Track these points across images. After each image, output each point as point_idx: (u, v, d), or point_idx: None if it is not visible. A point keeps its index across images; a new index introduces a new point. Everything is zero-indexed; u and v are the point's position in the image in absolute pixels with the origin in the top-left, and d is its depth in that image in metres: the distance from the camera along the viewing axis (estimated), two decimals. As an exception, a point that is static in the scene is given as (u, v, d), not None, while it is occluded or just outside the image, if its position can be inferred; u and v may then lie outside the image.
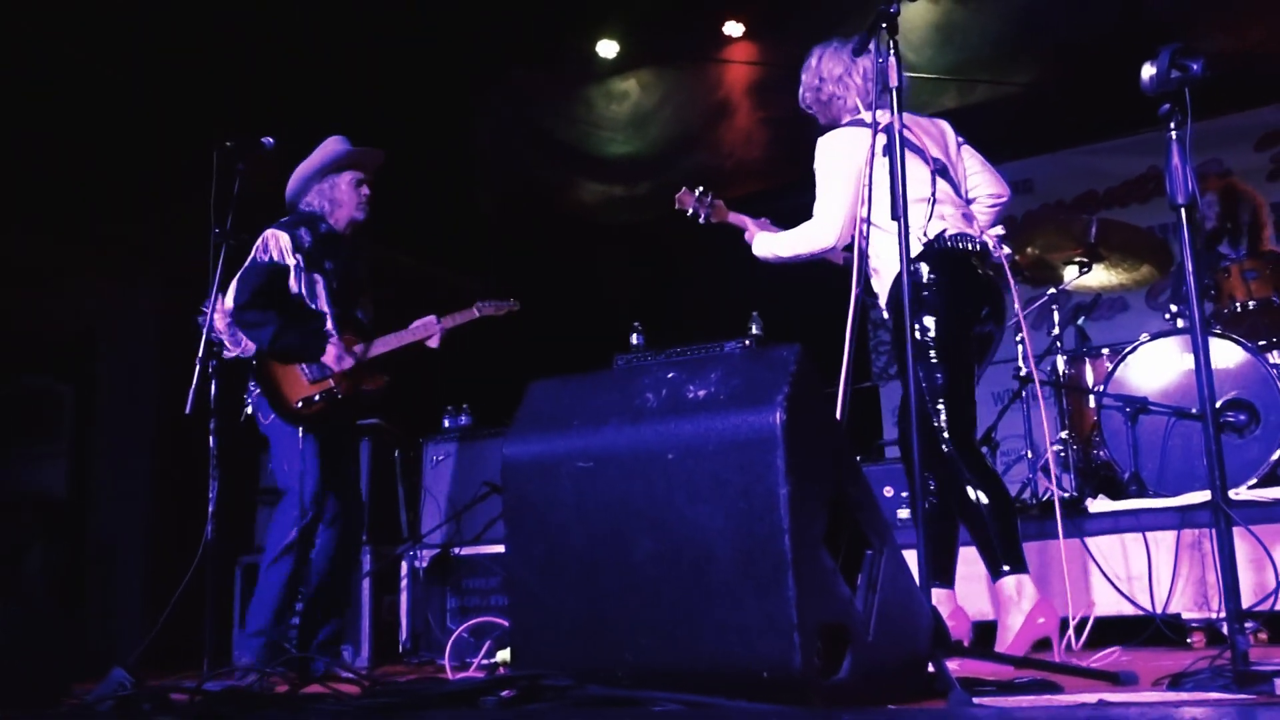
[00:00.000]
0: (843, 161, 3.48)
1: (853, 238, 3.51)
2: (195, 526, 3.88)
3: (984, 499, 3.30)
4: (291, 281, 4.23)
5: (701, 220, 3.90)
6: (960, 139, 3.75)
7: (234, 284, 4.17)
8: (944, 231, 3.44)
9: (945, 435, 3.33)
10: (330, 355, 4.21)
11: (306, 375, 4.23)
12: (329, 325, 4.27)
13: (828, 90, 3.70)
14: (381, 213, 4.44)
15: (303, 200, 4.37)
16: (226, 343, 4.23)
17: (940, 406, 3.35)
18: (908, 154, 3.40)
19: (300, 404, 4.20)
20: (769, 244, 3.73)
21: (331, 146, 4.41)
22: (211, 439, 3.91)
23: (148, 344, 6.38)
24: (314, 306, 4.27)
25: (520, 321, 4.70)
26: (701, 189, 3.90)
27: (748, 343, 5.08)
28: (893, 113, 2.77)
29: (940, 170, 3.58)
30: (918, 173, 3.39)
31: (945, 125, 3.76)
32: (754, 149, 7.66)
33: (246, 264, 4.19)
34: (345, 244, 4.39)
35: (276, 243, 4.22)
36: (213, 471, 3.87)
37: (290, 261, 4.23)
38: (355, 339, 4.31)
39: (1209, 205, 5.29)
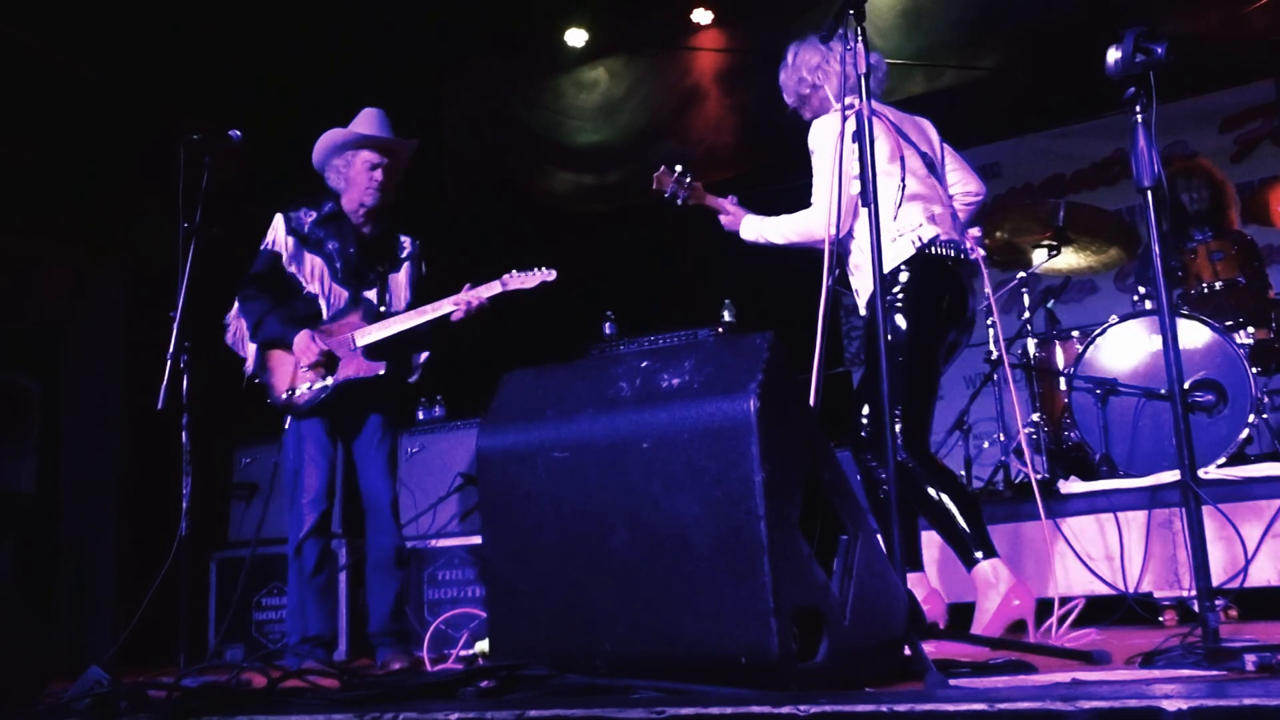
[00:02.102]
0: (838, 148, 3.43)
1: (850, 228, 3.52)
2: (169, 522, 3.85)
3: (946, 498, 3.34)
4: (285, 263, 4.19)
5: (679, 202, 3.87)
6: (940, 138, 3.77)
7: (244, 281, 4.22)
8: (936, 237, 3.45)
9: (899, 443, 3.35)
10: (298, 344, 4.08)
11: (297, 363, 4.13)
12: (323, 309, 4.18)
13: (809, 82, 3.70)
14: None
15: (325, 172, 4.29)
16: (238, 351, 4.28)
17: (898, 413, 3.37)
18: (892, 150, 3.42)
19: (284, 395, 4.14)
20: (760, 228, 3.70)
21: (360, 123, 4.28)
22: (184, 434, 3.88)
23: (116, 337, 6.33)
24: (308, 290, 4.20)
25: (493, 312, 4.64)
26: (680, 169, 3.85)
27: (720, 330, 5.10)
28: (862, 98, 2.78)
29: (929, 166, 3.60)
30: (899, 172, 3.40)
31: (927, 123, 3.77)
32: (724, 135, 7.66)
33: (261, 250, 4.22)
34: (355, 224, 4.26)
35: (274, 226, 4.22)
36: (185, 467, 3.84)
37: (281, 245, 4.19)
38: (359, 323, 4.15)
39: (1197, 188, 5.31)
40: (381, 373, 4.11)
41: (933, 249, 3.44)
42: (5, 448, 6.79)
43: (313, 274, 4.21)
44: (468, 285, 4.16)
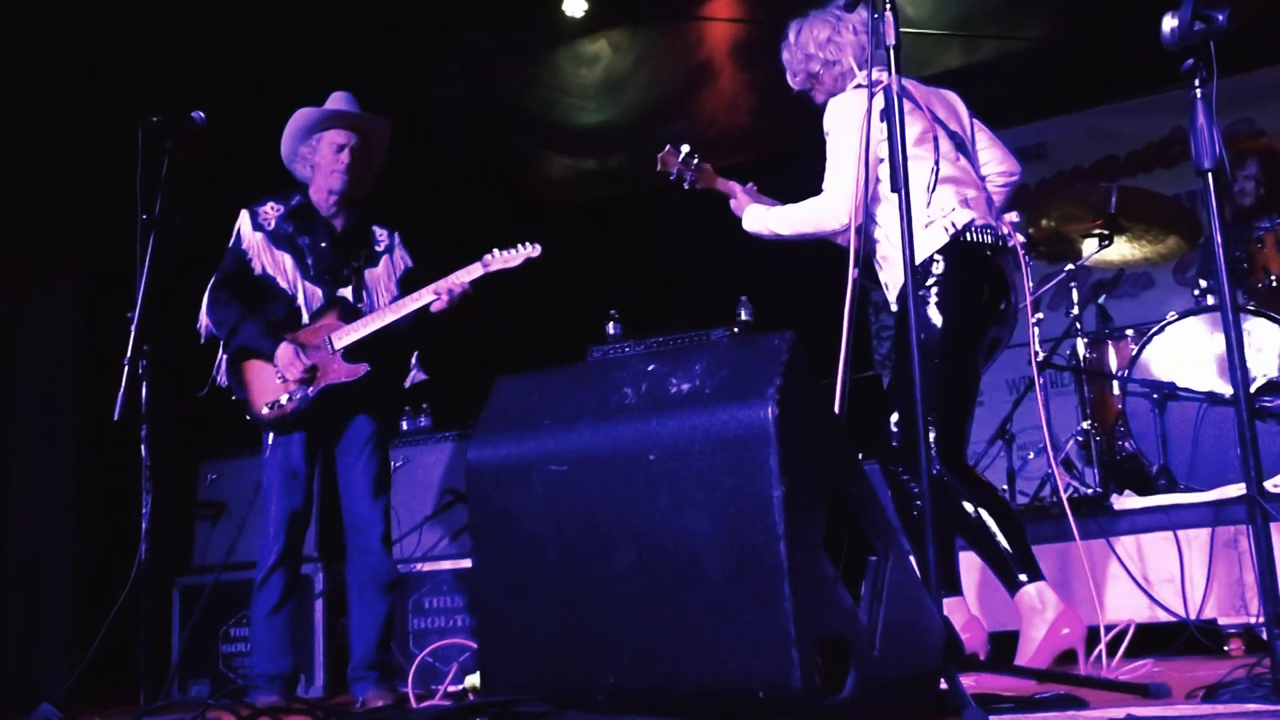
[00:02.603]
0: (862, 128, 3.39)
1: (874, 215, 3.52)
2: (127, 544, 3.86)
3: (985, 514, 3.33)
4: (254, 263, 4.20)
5: (686, 185, 3.87)
6: (969, 112, 3.76)
7: (212, 280, 4.24)
8: (972, 222, 3.44)
9: (933, 454, 3.34)
10: (280, 358, 4.07)
11: (277, 373, 4.12)
12: (302, 308, 4.19)
13: (818, 59, 3.69)
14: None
15: (293, 166, 4.32)
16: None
17: (931, 420, 3.35)
18: (922, 132, 3.41)
19: (266, 410, 4.14)
20: (765, 218, 3.70)
21: (327, 105, 4.29)
22: (143, 447, 3.89)
23: (68, 342, 6.34)
24: (283, 287, 4.20)
25: (485, 311, 4.64)
26: (688, 149, 3.84)
27: (736, 330, 5.10)
28: (890, 73, 2.77)
29: (959, 146, 3.59)
30: (930, 152, 3.38)
31: (955, 97, 3.76)
32: (739, 115, 7.66)
33: (229, 248, 4.24)
34: (325, 217, 4.27)
35: (239, 223, 4.25)
36: (145, 484, 3.84)
37: (247, 244, 4.21)
38: (337, 324, 4.15)
39: (1247, 177, 5.31)
40: (364, 374, 4.10)
41: (968, 235, 3.43)
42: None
43: (282, 272, 4.21)
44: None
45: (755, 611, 1.99)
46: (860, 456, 2.33)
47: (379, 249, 4.35)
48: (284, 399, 4.11)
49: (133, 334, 3.87)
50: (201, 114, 4.04)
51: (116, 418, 3.81)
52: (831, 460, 2.17)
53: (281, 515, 4.13)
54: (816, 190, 3.60)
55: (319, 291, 4.22)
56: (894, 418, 3.59)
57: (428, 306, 4.13)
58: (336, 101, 4.33)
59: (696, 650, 2.05)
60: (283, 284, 4.21)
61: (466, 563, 5.05)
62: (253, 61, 6.59)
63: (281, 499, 4.13)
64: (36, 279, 6.56)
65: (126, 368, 3.86)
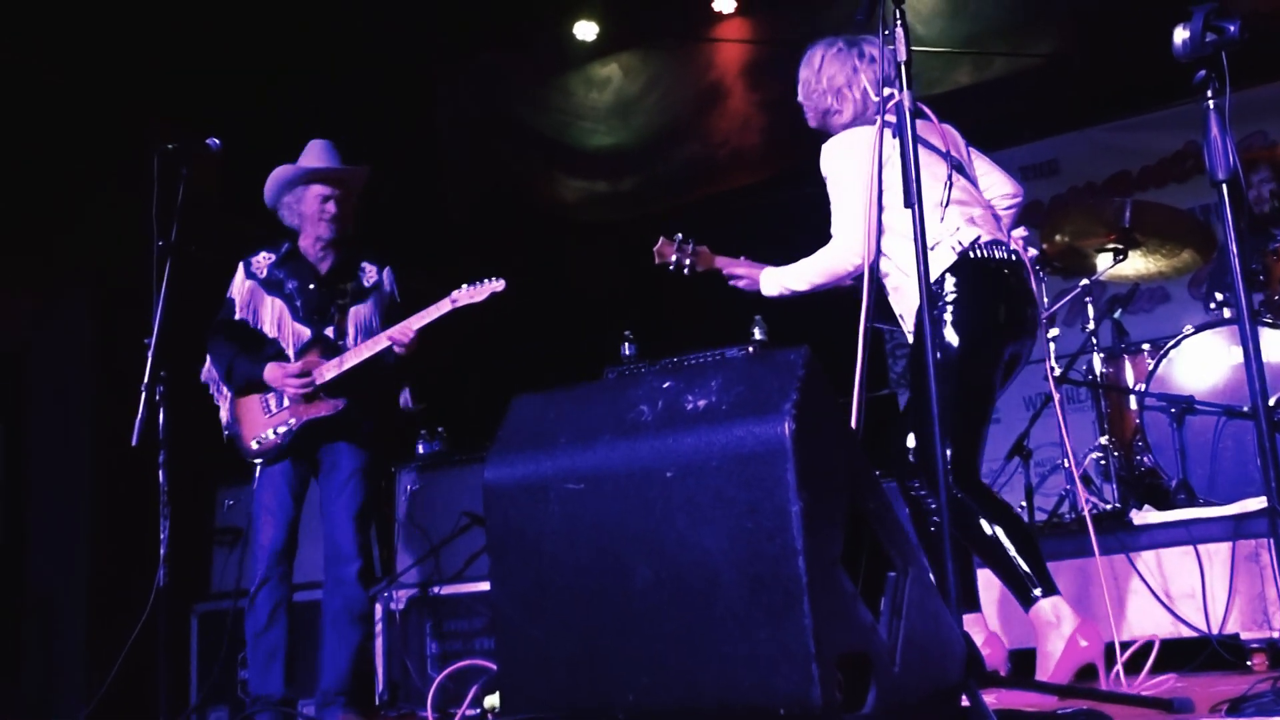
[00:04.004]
0: (863, 166, 3.41)
1: (878, 248, 3.52)
2: (145, 571, 3.87)
3: (1000, 531, 3.33)
4: (240, 311, 4.36)
5: (685, 272, 3.92)
6: (964, 141, 3.78)
7: (211, 327, 4.41)
8: (979, 239, 3.44)
9: (948, 472, 3.34)
10: (272, 376, 4.24)
11: (265, 410, 4.31)
12: (288, 349, 4.32)
13: (826, 101, 3.71)
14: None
15: (280, 212, 4.48)
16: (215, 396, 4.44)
17: (946, 440, 3.35)
18: (927, 156, 3.42)
19: (254, 444, 4.30)
20: (780, 279, 3.71)
21: (306, 157, 4.46)
22: (161, 473, 3.91)
23: (85, 368, 6.37)
24: (266, 334, 4.35)
25: (498, 335, 4.67)
26: (680, 236, 3.90)
27: (751, 349, 5.10)
28: (901, 89, 2.78)
29: (958, 168, 3.60)
30: (936, 177, 3.39)
31: (951, 129, 3.78)
32: (751, 135, 7.69)
33: (227, 299, 4.42)
34: (314, 261, 4.43)
35: (236, 273, 4.42)
36: (163, 510, 3.87)
37: (236, 292, 4.38)
38: (318, 360, 4.30)
39: (1262, 183, 5.30)
40: (342, 409, 4.26)
41: (976, 252, 3.44)
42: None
43: (273, 316, 4.36)
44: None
45: (774, 627, 1.98)
46: (877, 474, 2.32)
47: (367, 285, 4.49)
48: (269, 433, 4.27)
49: (150, 359, 3.90)
50: (216, 140, 4.10)
51: (134, 443, 3.84)
52: (849, 475, 2.16)
53: (268, 544, 4.23)
54: (828, 210, 3.61)
55: (307, 331, 4.35)
56: (910, 436, 3.58)
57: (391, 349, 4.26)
58: (316, 152, 4.47)
59: (715, 667, 2.04)
60: (266, 328, 4.35)
61: (484, 585, 5.04)
62: (264, 85, 6.63)
63: (268, 529, 4.24)
64: (53, 305, 6.59)
65: (144, 393, 3.89)
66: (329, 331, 4.38)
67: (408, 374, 4.45)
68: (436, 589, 5.25)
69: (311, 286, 4.39)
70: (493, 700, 3.41)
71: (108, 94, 6.22)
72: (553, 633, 2.22)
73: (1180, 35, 2.55)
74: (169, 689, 3.82)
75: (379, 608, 5.45)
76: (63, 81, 6.13)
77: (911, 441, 3.58)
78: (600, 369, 5.31)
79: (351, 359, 4.26)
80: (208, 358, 4.42)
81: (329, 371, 4.26)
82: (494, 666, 3.24)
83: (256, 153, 4.55)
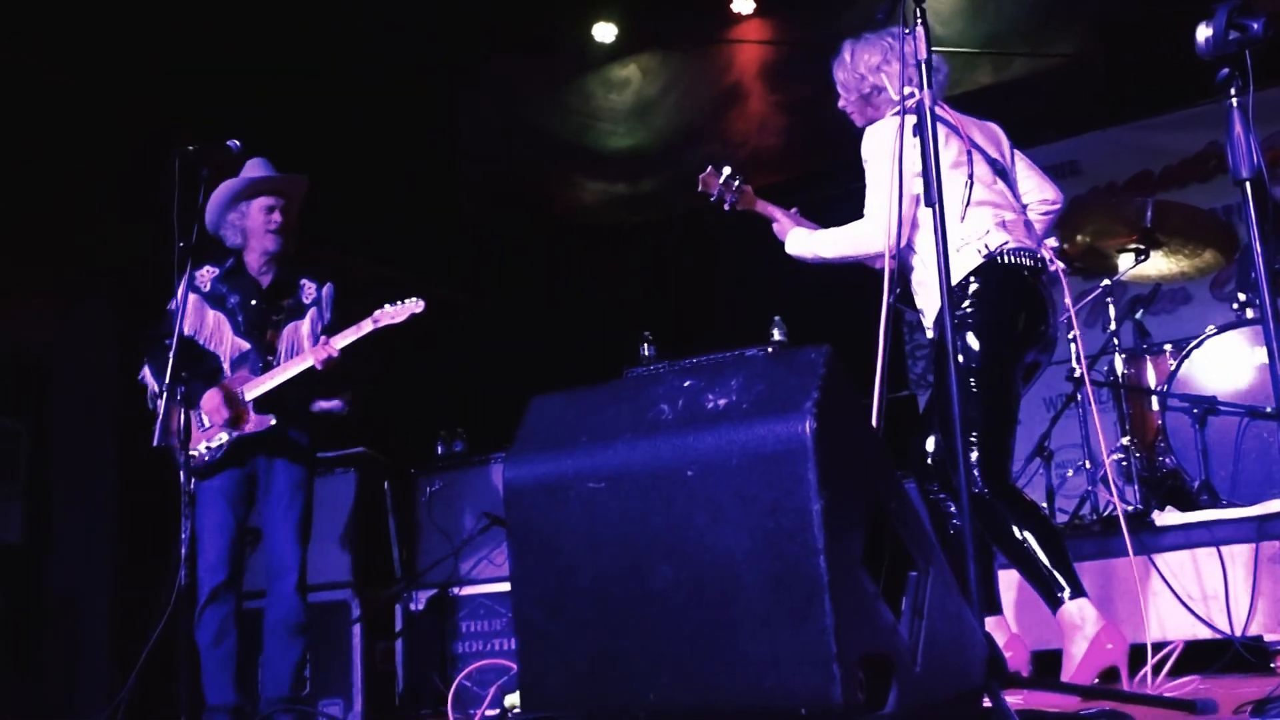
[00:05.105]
0: (896, 151, 3.39)
1: (911, 240, 3.52)
2: (167, 571, 3.89)
3: (1030, 536, 3.31)
4: (182, 323, 4.28)
5: (726, 207, 3.88)
6: (1010, 143, 3.77)
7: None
8: (1005, 244, 3.44)
9: (976, 475, 3.33)
10: (206, 404, 4.26)
11: (198, 425, 4.30)
12: (224, 365, 4.36)
13: (869, 83, 3.71)
14: (357, 220, 4.44)
15: (222, 231, 4.49)
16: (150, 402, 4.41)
17: (974, 440, 3.34)
18: (957, 155, 3.41)
19: (191, 457, 4.25)
20: (809, 242, 3.70)
21: (245, 172, 4.48)
22: (182, 473, 3.93)
23: (107, 369, 6.40)
24: (206, 347, 4.37)
25: (517, 336, 4.69)
26: (729, 170, 3.85)
27: (770, 350, 5.10)
28: (921, 88, 2.78)
29: (1000, 172, 3.59)
30: (964, 175, 3.38)
31: (996, 127, 3.77)
32: (770, 136, 7.68)
33: (167, 309, 4.33)
34: (256, 276, 4.46)
35: (178, 286, 4.34)
36: (185, 509, 3.88)
37: (177, 305, 4.31)
38: (248, 376, 4.36)
39: None
40: (270, 425, 4.29)
41: (1002, 258, 3.42)
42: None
43: (214, 330, 4.38)
44: (325, 336, 4.36)
45: (795, 627, 1.97)
46: (899, 473, 2.31)
47: (306, 302, 4.52)
48: (202, 447, 4.28)
49: (171, 360, 3.92)
50: (237, 142, 4.11)
51: (155, 443, 3.86)
52: (870, 474, 2.15)
53: (212, 557, 4.23)
54: (849, 211, 3.61)
55: (246, 345, 4.38)
56: (930, 439, 3.57)
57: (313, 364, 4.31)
58: (257, 168, 4.49)
59: (736, 667, 2.03)
60: (204, 341, 4.37)
61: (504, 587, 5.05)
62: (282, 91, 6.65)
63: (210, 550, 4.23)
64: (75, 307, 6.62)
65: (165, 394, 3.91)
66: (260, 350, 4.43)
67: (336, 389, 4.49)
68: (456, 590, 5.25)
69: (253, 302, 4.42)
70: (513, 699, 3.42)
71: (128, 99, 6.24)
72: (573, 632, 2.22)
73: (1203, 33, 2.54)
74: (190, 686, 3.84)
75: (398, 609, 5.46)
76: (80, 86, 6.16)
77: (931, 445, 3.58)
78: (619, 370, 5.32)
79: (276, 376, 4.32)
80: (145, 365, 4.39)
81: (254, 389, 4.31)
82: (514, 666, 3.24)
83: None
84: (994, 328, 3.42)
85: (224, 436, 4.28)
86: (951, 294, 2.94)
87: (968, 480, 3.21)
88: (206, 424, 4.30)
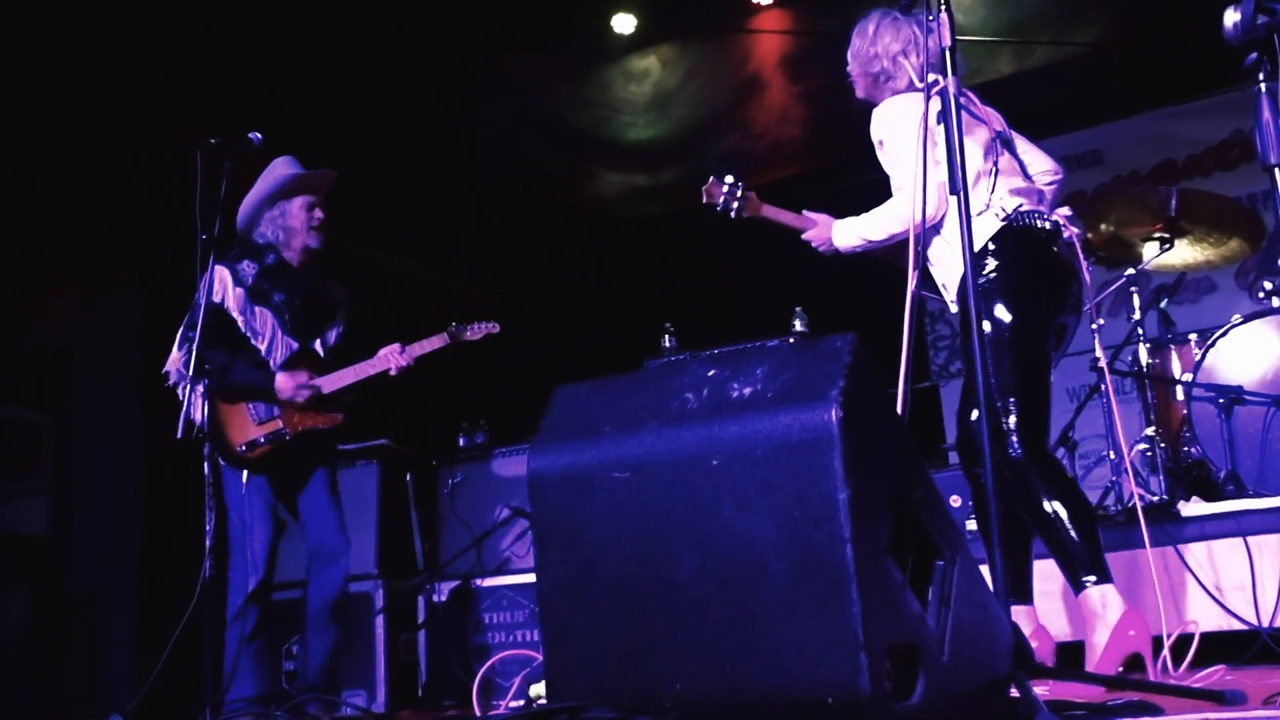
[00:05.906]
0: (916, 127, 3.34)
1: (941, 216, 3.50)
2: (191, 563, 3.90)
3: (1061, 510, 3.28)
4: (235, 318, 4.36)
5: (732, 215, 3.87)
6: (1006, 123, 3.75)
7: (183, 323, 4.35)
8: (1020, 207, 3.43)
9: (1015, 440, 3.31)
10: (284, 385, 4.28)
11: (253, 416, 4.33)
12: (273, 363, 4.37)
13: (879, 65, 3.68)
14: (377, 216, 4.44)
15: (255, 231, 4.50)
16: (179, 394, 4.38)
17: (1011, 406, 3.32)
18: (970, 123, 3.40)
19: (244, 448, 4.30)
20: (857, 229, 3.66)
21: (279, 170, 4.49)
22: (205, 465, 3.94)
23: (129, 362, 6.42)
24: (256, 344, 4.37)
25: (538, 328, 4.70)
26: (731, 179, 3.84)
27: (792, 340, 5.08)
28: (946, 75, 2.76)
29: (1006, 144, 3.58)
30: (981, 144, 3.38)
31: (994, 111, 3.75)
32: (790, 127, 7.66)
33: (195, 301, 4.27)
34: (299, 273, 4.48)
35: (219, 278, 4.36)
36: (208, 501, 3.89)
37: (230, 298, 4.36)
38: (311, 374, 4.38)
39: None
40: (339, 423, 4.39)
41: (1019, 220, 3.41)
42: (15, 489, 6.91)
43: (263, 327, 4.39)
44: (399, 345, 4.45)
45: (821, 617, 1.96)
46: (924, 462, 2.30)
47: (335, 302, 4.60)
48: (261, 439, 4.29)
49: (194, 353, 3.92)
50: (258, 135, 4.11)
51: (179, 435, 3.87)
52: (896, 463, 2.14)
53: (263, 550, 4.27)
54: (870, 201, 3.59)
55: (294, 344, 4.41)
56: (974, 415, 3.52)
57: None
58: (288, 165, 4.50)
59: (762, 656, 2.02)
60: (254, 339, 4.37)
61: (528, 578, 5.06)
62: (299, 88, 6.66)
63: (264, 534, 4.28)
64: (97, 301, 6.65)
65: (188, 385, 3.92)
66: (316, 345, 4.48)
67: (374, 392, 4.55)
68: (479, 581, 5.26)
69: (298, 301, 4.44)
70: (538, 688, 3.42)
71: (149, 95, 6.26)
72: (598, 622, 2.21)
73: (1231, 18, 2.51)
74: (214, 678, 3.85)
75: (421, 600, 5.48)
76: (101, 82, 6.18)
77: (975, 419, 3.52)
78: (640, 362, 5.32)
79: (353, 375, 4.38)
80: (177, 351, 4.34)
81: (333, 384, 4.36)
82: (538, 656, 3.24)
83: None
84: (1020, 292, 3.39)
85: (284, 429, 4.31)
86: (975, 265, 2.91)
87: (1001, 446, 3.20)
88: (261, 415, 4.32)
